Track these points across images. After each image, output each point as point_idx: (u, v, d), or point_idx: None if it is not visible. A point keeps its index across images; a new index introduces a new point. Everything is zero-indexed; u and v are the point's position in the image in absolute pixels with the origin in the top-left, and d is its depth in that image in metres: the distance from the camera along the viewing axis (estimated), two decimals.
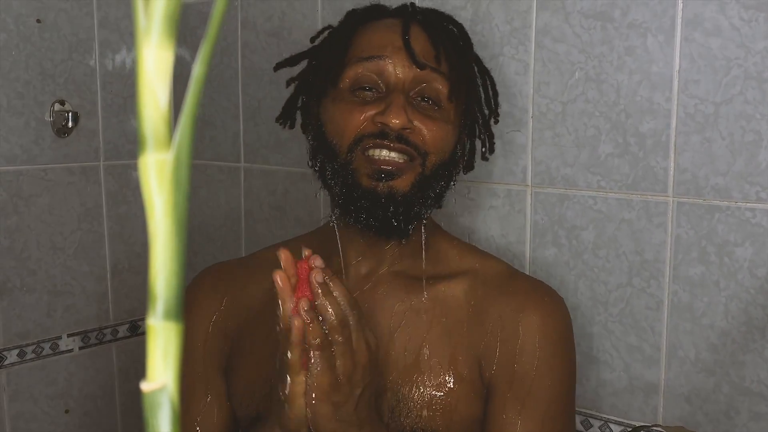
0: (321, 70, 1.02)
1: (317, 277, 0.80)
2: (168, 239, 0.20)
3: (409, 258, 1.03)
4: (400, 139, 0.94)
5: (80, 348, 1.69)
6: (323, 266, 0.81)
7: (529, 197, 1.27)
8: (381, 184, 0.94)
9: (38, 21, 1.56)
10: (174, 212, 0.20)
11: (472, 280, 1.03)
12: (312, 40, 1.11)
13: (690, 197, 1.12)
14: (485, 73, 1.09)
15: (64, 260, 1.64)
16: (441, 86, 0.98)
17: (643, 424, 1.14)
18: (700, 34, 1.09)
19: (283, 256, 0.80)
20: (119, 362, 1.76)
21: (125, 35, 1.71)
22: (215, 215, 1.76)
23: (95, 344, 1.71)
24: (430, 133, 0.96)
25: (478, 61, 1.08)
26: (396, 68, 0.97)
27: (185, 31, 1.76)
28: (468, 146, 1.07)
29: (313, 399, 0.80)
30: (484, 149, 1.10)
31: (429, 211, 1.00)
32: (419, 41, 0.99)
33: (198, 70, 0.21)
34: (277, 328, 0.81)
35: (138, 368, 1.81)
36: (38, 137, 1.57)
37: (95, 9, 1.65)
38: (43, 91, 1.57)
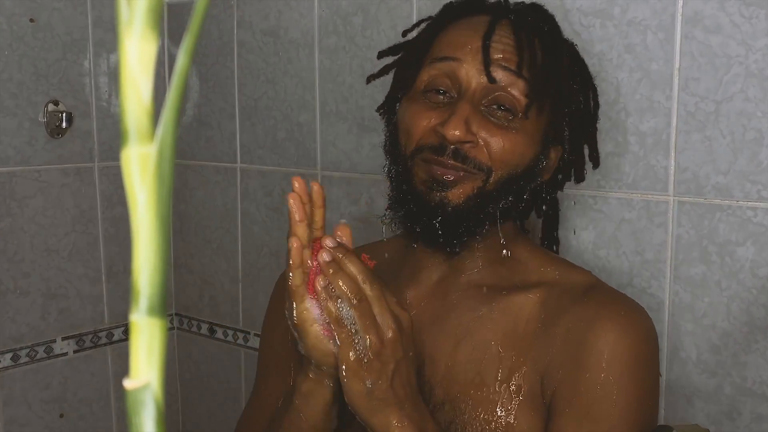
0: (403, 66, 0.99)
1: (324, 256, 0.80)
2: (151, 234, 0.20)
3: (485, 267, 0.98)
4: (456, 155, 0.89)
5: (75, 351, 1.69)
6: (334, 245, 0.81)
7: None
8: (434, 193, 0.90)
9: (32, 20, 1.56)
10: (157, 207, 0.20)
11: (548, 291, 0.96)
12: (404, 33, 1.07)
13: (691, 196, 1.12)
14: (588, 81, 1.01)
15: (59, 262, 1.64)
16: (518, 94, 0.91)
17: (661, 424, 1.14)
18: (700, 32, 1.09)
19: (296, 184, 0.82)
20: (115, 366, 1.76)
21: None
22: (211, 216, 1.76)
23: (90, 347, 1.71)
24: (498, 145, 0.90)
25: (583, 68, 1.01)
26: (468, 73, 0.91)
27: (180, 30, 1.75)
28: (564, 159, 1.00)
29: (344, 377, 0.80)
30: (587, 163, 1.03)
31: (486, 227, 0.94)
32: (502, 44, 0.92)
33: (181, 62, 0.20)
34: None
35: None
36: (32, 138, 1.57)
37: (89, 8, 1.65)
38: (37, 91, 1.57)
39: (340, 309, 0.80)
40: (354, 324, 0.80)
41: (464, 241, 0.94)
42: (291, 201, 0.81)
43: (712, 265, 1.11)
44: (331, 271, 0.80)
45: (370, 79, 1.06)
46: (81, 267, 1.68)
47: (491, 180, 0.91)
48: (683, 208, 1.12)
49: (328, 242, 0.81)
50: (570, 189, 1.22)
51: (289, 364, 1.05)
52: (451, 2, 1.02)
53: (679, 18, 1.10)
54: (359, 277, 0.80)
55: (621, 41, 1.15)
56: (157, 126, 0.20)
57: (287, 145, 1.58)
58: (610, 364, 0.88)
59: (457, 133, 0.88)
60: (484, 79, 0.90)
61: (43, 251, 1.61)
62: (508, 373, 0.93)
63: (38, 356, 1.62)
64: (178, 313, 1.86)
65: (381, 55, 1.07)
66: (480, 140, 0.90)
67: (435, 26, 0.98)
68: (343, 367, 0.80)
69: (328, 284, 0.80)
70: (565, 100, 0.96)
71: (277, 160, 1.61)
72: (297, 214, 0.81)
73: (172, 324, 1.87)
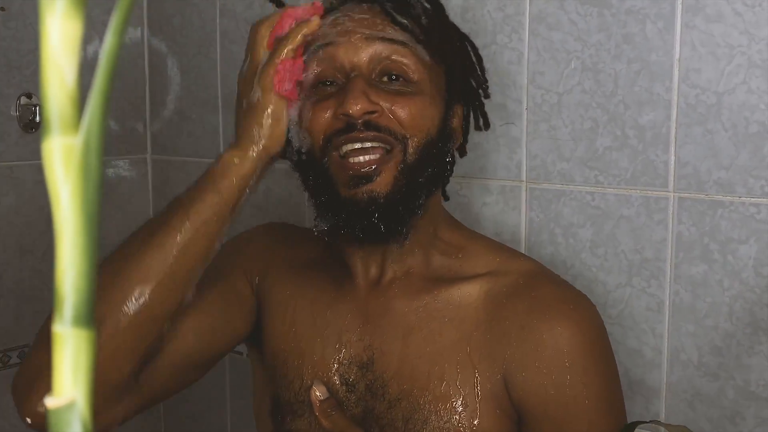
0: None
1: None
2: (76, 235, 0.18)
3: (420, 255, 0.99)
4: (368, 126, 0.89)
5: None
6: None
7: (523, 193, 1.26)
8: (359, 191, 0.90)
9: (2, 9, 1.54)
10: (83, 204, 0.19)
11: (491, 282, 0.97)
12: None
13: (692, 192, 1.11)
14: (464, 38, 1.03)
15: (33, 263, 1.62)
16: (404, 58, 0.92)
17: (640, 420, 1.13)
18: (701, 21, 1.08)
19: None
20: None
21: (97, 24, 1.69)
22: None
23: None
24: (403, 111, 0.90)
25: (454, 26, 1.03)
26: (347, 51, 0.91)
27: (160, 20, 1.74)
28: (462, 121, 1.02)
29: None
30: (478, 123, 1.04)
31: (421, 201, 0.94)
32: (371, 13, 0.93)
33: (109, 42, 0.19)
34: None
35: None
36: (3, 133, 1.56)
37: None
38: (9, 83, 1.56)
39: None
40: None
41: (409, 226, 0.93)
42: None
43: (714, 263, 1.10)
44: None
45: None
46: None
47: (410, 149, 0.91)
48: (684, 204, 1.12)
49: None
50: (567, 185, 1.21)
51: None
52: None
53: (680, 6, 1.10)
54: None
55: (619, 31, 1.14)
56: (83, 114, 0.19)
57: None
58: (573, 360, 0.92)
59: (358, 106, 0.88)
60: (364, 53, 0.91)
61: (16, 251, 1.60)
62: (466, 369, 0.94)
63: (12, 362, 1.61)
64: None
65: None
66: (384, 109, 0.90)
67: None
68: None
69: None
70: (455, 54, 0.98)
71: None
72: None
73: None
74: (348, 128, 0.89)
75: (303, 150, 0.93)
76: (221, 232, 0.89)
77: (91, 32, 1.67)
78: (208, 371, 1.05)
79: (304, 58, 0.91)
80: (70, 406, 0.19)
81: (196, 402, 1.80)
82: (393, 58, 0.92)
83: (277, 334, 1.05)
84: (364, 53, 0.91)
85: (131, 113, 1.76)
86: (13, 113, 1.56)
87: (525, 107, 1.24)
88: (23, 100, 1.57)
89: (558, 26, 1.19)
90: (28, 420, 0.85)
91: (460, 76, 0.99)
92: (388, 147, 0.91)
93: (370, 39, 0.91)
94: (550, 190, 1.23)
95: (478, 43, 1.13)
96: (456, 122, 0.99)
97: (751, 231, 1.07)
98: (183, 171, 1.74)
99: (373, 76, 0.92)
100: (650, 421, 1.00)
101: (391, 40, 0.92)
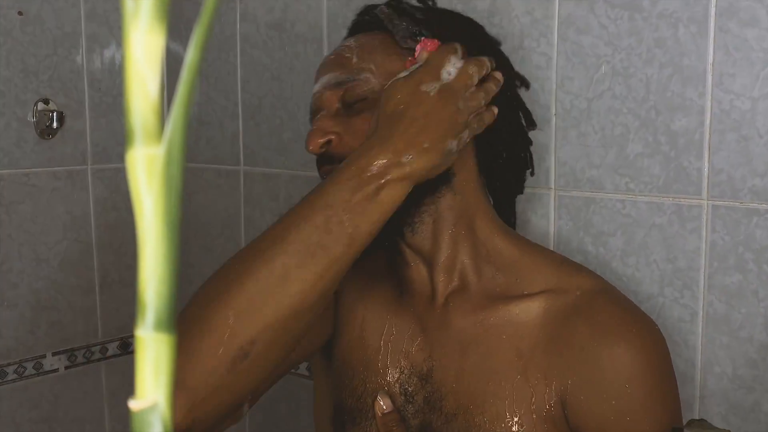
0: None
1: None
2: (158, 243, 0.20)
3: (469, 266, 1.01)
4: (322, 160, 0.98)
5: (66, 367, 1.69)
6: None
7: (552, 201, 1.27)
8: None
9: (20, 14, 1.56)
10: (165, 213, 0.20)
11: (551, 300, 0.97)
12: None
13: (726, 200, 1.11)
14: (470, 26, 1.10)
15: (49, 272, 1.64)
16: (356, 89, 0.98)
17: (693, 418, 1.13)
18: (735, 25, 1.08)
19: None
20: (109, 383, 1.76)
21: (114, 29, 1.72)
22: (213, 223, 1.76)
23: (83, 363, 1.71)
24: (354, 134, 0.96)
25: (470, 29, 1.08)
26: (318, 86, 1.02)
27: (179, 24, 1.76)
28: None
29: None
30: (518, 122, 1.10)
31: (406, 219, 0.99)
32: (342, 47, 1.03)
33: (191, 56, 0.20)
34: None
35: (129, 389, 1.81)
36: (20, 139, 1.58)
37: (82, 1, 1.65)
38: (26, 89, 1.58)
39: None
40: None
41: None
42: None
43: (749, 273, 1.10)
44: None
45: None
46: (73, 277, 1.68)
47: None
48: (718, 212, 1.12)
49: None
50: (597, 192, 1.21)
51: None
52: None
53: (713, 10, 1.10)
54: None
55: (650, 35, 1.15)
56: (166, 125, 0.20)
57: (294, 146, 1.59)
58: (633, 389, 0.92)
59: (312, 147, 0.97)
60: (325, 98, 1.00)
61: (32, 260, 1.62)
62: (522, 389, 0.95)
63: (27, 373, 1.63)
64: None
65: None
66: (342, 135, 0.97)
67: None
68: None
69: None
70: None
71: (282, 162, 1.61)
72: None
73: None
74: (317, 160, 1.00)
75: None
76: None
77: (108, 36, 1.70)
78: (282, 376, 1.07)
79: None
80: (152, 408, 0.20)
81: None
82: (346, 97, 0.98)
83: (346, 342, 1.09)
84: (324, 97, 1.00)
85: None
86: (30, 119, 1.59)
87: (554, 113, 1.25)
88: (40, 105, 1.59)
89: (588, 30, 1.20)
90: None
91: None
92: None
93: (326, 85, 1.00)
94: (579, 197, 1.23)
95: (505, 47, 1.14)
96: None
97: None
98: (201, 178, 1.76)
99: (337, 106, 1.00)
100: (699, 419, 0.99)
101: (338, 84, 0.99)
